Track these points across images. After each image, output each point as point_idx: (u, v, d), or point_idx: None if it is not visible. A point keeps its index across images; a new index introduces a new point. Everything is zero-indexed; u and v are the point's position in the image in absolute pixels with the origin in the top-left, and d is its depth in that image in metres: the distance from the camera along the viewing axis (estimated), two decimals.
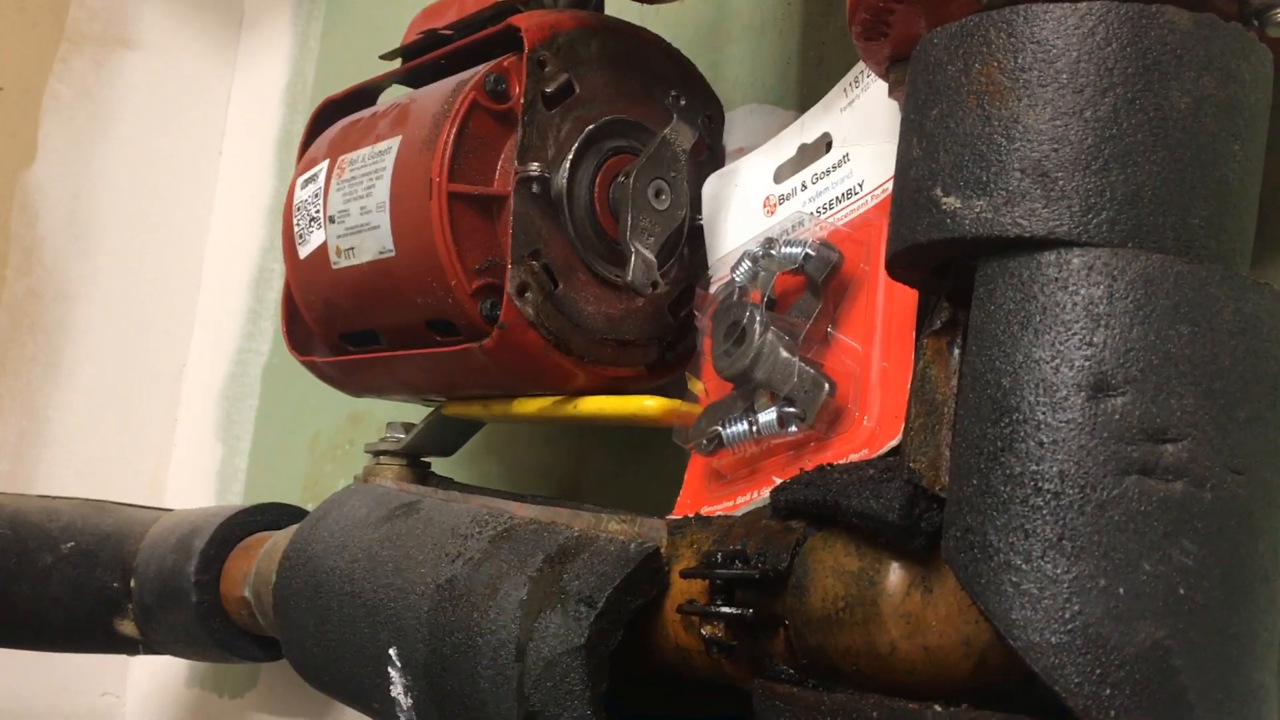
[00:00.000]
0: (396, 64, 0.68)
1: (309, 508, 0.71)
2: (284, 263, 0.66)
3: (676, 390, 0.57)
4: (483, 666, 0.47)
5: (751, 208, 0.57)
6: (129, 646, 0.78)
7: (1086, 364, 0.33)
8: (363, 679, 0.55)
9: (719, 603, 0.41)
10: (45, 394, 1.12)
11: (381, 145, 0.59)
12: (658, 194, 0.56)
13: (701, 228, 0.59)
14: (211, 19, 1.23)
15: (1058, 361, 0.34)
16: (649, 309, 0.58)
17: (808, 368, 0.47)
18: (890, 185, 0.48)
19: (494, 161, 0.56)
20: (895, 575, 0.36)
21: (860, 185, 0.52)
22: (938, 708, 0.34)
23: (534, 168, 0.54)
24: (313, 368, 0.67)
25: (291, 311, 0.68)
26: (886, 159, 0.51)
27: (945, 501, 0.36)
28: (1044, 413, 0.33)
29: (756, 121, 0.66)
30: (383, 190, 0.58)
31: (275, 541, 0.68)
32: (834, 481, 0.39)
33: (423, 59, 0.64)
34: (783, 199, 0.56)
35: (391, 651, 0.52)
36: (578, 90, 0.56)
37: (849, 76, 0.53)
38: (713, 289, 0.57)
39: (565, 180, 0.55)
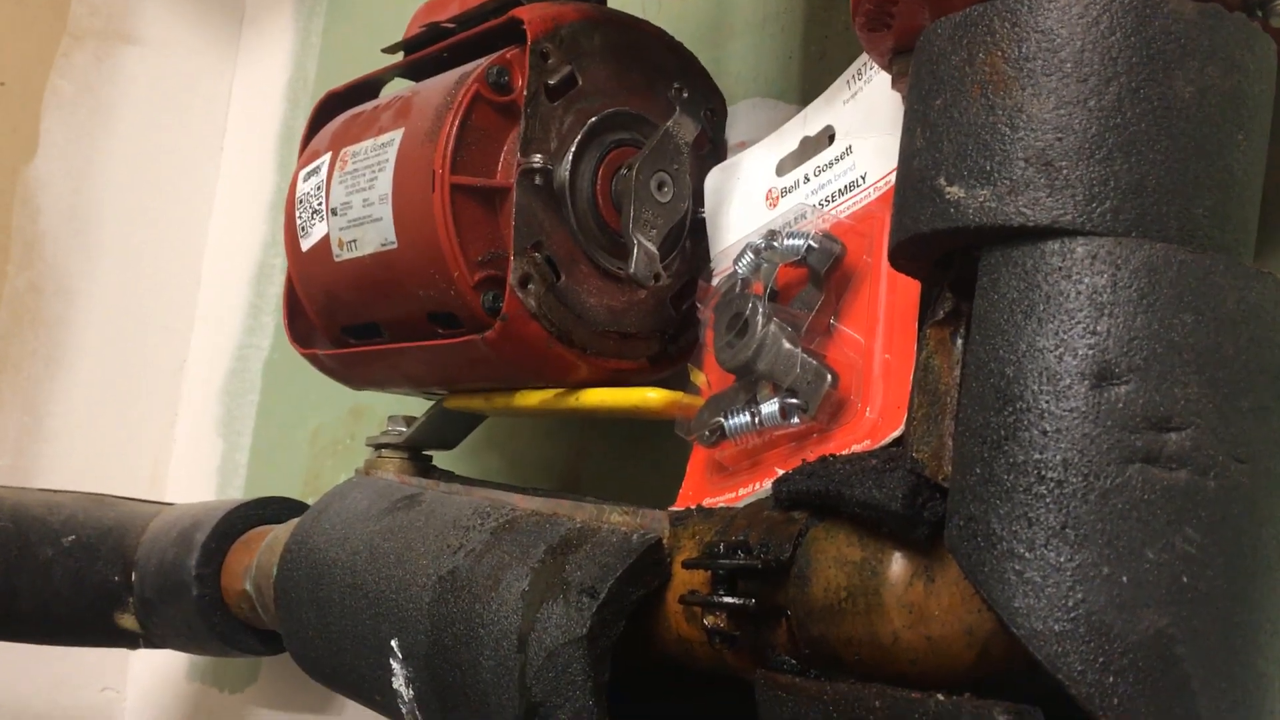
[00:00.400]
0: (399, 57, 0.68)
1: (310, 502, 0.71)
2: (286, 255, 0.66)
3: (678, 382, 0.57)
4: (484, 657, 0.47)
5: (754, 200, 0.57)
6: (129, 640, 0.78)
7: (1090, 353, 0.33)
8: (364, 671, 0.55)
9: (721, 593, 0.41)
10: (46, 389, 1.12)
11: (384, 138, 0.59)
12: (660, 186, 0.56)
13: (704, 220, 0.59)
14: (213, 14, 1.23)
15: (1061, 350, 0.34)
16: (651, 301, 0.58)
17: (810, 359, 0.47)
18: (893, 177, 0.48)
19: (496, 153, 0.56)
20: (898, 565, 0.36)
21: (863, 178, 0.52)
22: (940, 697, 0.34)
23: (537, 160, 0.54)
24: (314, 360, 0.67)
25: (293, 304, 0.68)
26: (889, 151, 0.51)
27: (948, 491, 0.36)
28: (1047, 401, 0.33)
29: (759, 115, 0.66)
30: (385, 182, 0.58)
31: (276, 535, 0.68)
32: (836, 472, 0.39)
33: (425, 52, 0.64)
34: (785, 192, 0.56)
35: (393, 643, 0.52)
36: (580, 82, 0.56)
37: (851, 69, 0.53)
38: (715, 281, 0.57)
39: (568, 172, 0.55)
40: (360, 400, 0.93)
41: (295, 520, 0.67)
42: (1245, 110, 0.36)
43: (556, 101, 0.55)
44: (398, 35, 0.67)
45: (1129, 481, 0.32)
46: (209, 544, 0.71)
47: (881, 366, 0.47)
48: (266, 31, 1.20)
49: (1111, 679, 0.31)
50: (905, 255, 0.41)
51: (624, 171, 0.56)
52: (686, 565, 0.43)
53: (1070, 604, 0.31)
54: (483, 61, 0.57)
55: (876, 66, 0.49)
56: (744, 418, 0.48)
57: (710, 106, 0.61)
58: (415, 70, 0.66)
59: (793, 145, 0.56)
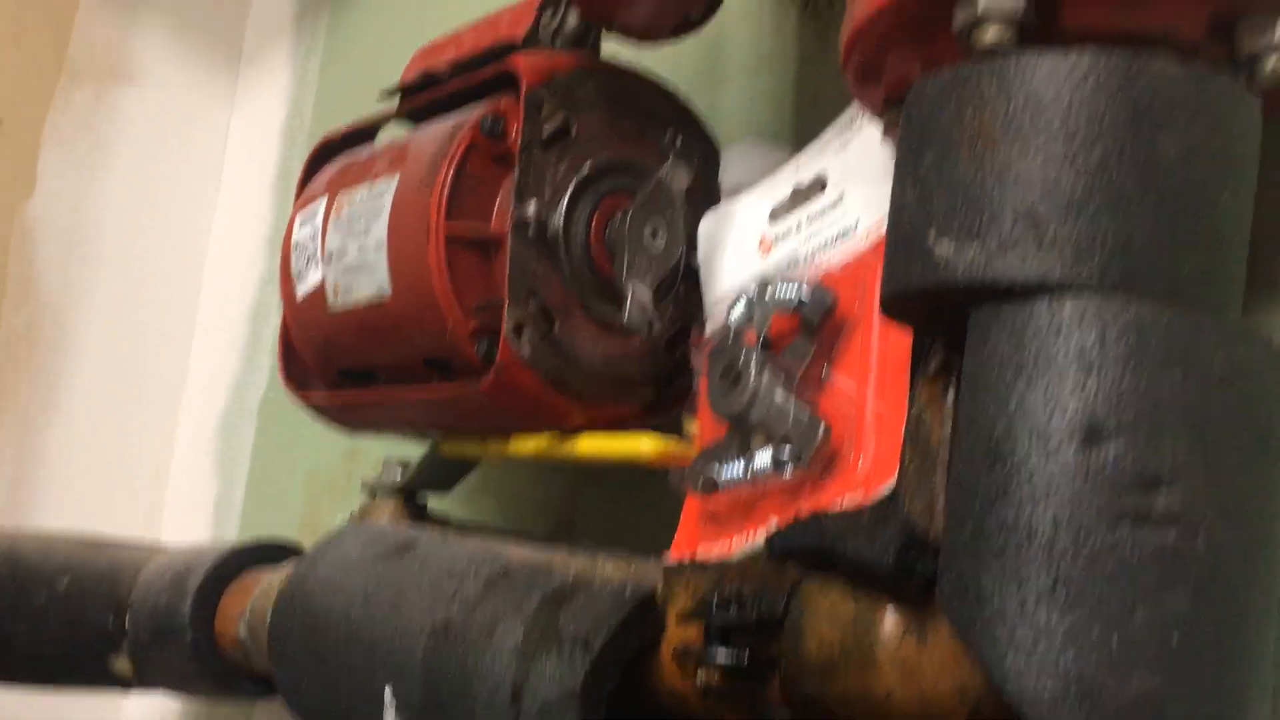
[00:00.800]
0: (395, 101, 0.69)
1: (305, 543, 0.71)
2: (281, 300, 0.66)
3: (672, 427, 0.57)
4: (479, 709, 0.47)
5: (747, 247, 0.57)
6: (124, 683, 0.78)
7: (1079, 411, 0.34)
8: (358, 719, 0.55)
9: (714, 647, 0.41)
10: (42, 427, 1.12)
11: (379, 185, 0.60)
12: (654, 234, 0.57)
13: (697, 266, 0.59)
14: (211, 53, 1.24)
15: (1051, 408, 0.34)
16: (645, 348, 0.58)
17: (803, 410, 0.47)
18: (885, 226, 0.48)
19: (491, 201, 0.57)
20: (891, 622, 0.37)
21: (855, 226, 0.52)
22: None
23: (531, 210, 0.54)
24: (309, 404, 0.67)
25: (288, 348, 0.68)
26: (881, 200, 0.51)
27: (940, 547, 0.36)
28: (1037, 460, 0.34)
29: (752, 158, 0.67)
30: (380, 230, 0.58)
31: (270, 580, 0.68)
32: (829, 527, 0.39)
33: (421, 98, 0.65)
34: (778, 238, 0.56)
35: (387, 692, 0.52)
36: (574, 131, 0.56)
37: (843, 118, 0.54)
38: (709, 329, 0.57)
39: (561, 221, 0.56)
40: (356, 442, 0.93)
41: (289, 564, 0.67)
42: (1231, 169, 0.36)
43: (550, 150, 0.56)
44: (394, 76, 0.68)
45: (1119, 541, 0.32)
46: (203, 588, 0.71)
47: (874, 417, 0.47)
48: (264, 70, 1.21)
49: None
50: (896, 308, 0.41)
51: (617, 220, 0.56)
52: (680, 618, 0.43)
53: (1061, 666, 0.31)
54: (478, 109, 0.57)
55: (868, 116, 0.50)
56: (737, 468, 0.48)
57: (703, 152, 0.61)
58: (412, 114, 0.66)
59: (785, 192, 0.57)
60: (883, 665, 0.36)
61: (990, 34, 0.37)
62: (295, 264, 0.65)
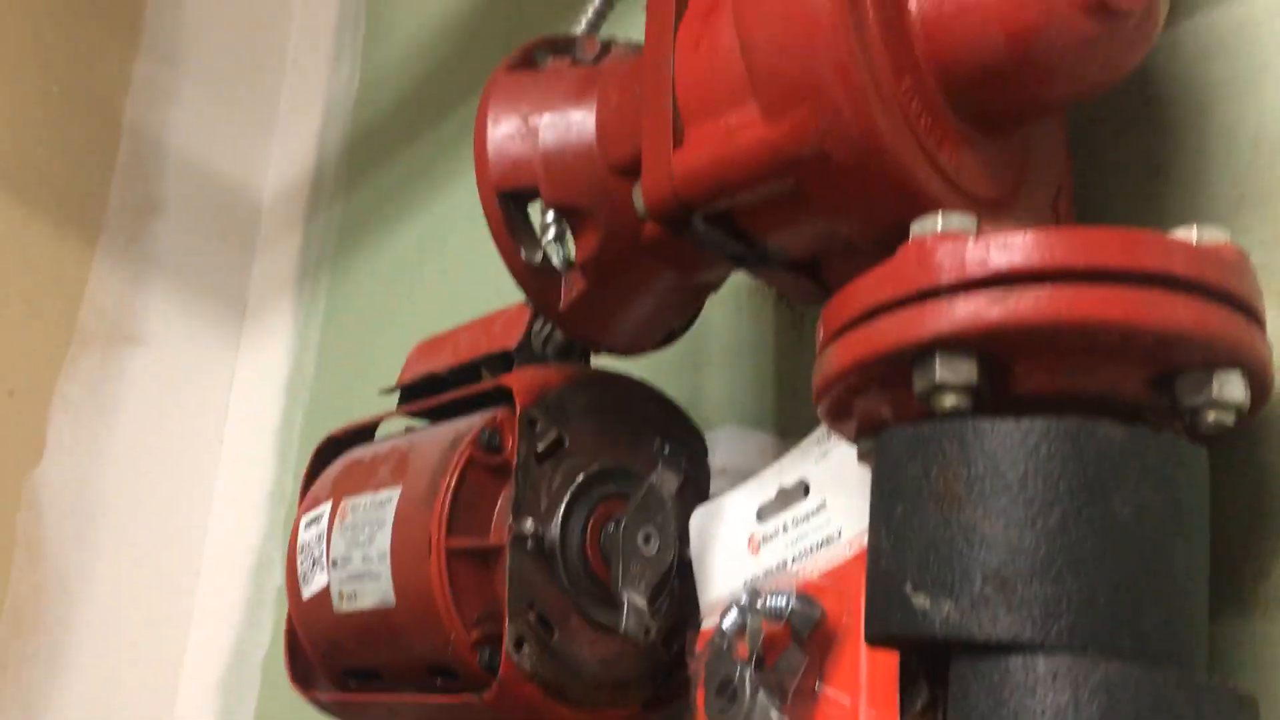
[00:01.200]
0: (394, 397, 0.72)
1: None
2: (287, 599, 0.68)
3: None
4: None
5: (737, 545, 0.59)
6: None
7: None
8: None
9: None
10: (45, 691, 1.12)
11: (382, 494, 0.62)
12: (647, 540, 0.59)
13: (690, 561, 0.61)
14: (216, 311, 1.29)
15: None
16: (642, 647, 0.60)
17: None
18: (866, 537, 0.50)
19: (489, 512, 0.59)
20: None
21: (838, 534, 0.54)
22: None
23: (528, 525, 0.56)
24: (315, 703, 0.68)
25: (294, 645, 0.70)
26: (861, 511, 0.53)
27: None
28: None
29: (737, 443, 0.70)
30: (384, 541, 0.60)
31: None
32: None
33: (419, 401, 0.68)
34: (766, 539, 0.58)
35: None
36: (568, 443, 0.59)
37: (822, 428, 0.57)
38: (704, 625, 0.59)
39: (558, 532, 0.58)
40: None
41: None
42: (1182, 521, 0.39)
43: (545, 463, 0.58)
44: (393, 337, 0.71)
45: None
46: None
47: None
48: (267, 328, 1.26)
49: None
50: (881, 644, 0.43)
51: (611, 528, 0.59)
52: None
53: None
54: (475, 422, 0.60)
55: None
56: None
57: (692, 448, 0.64)
58: (411, 412, 0.70)
59: (771, 493, 0.59)
60: None
61: (948, 400, 0.40)
62: (301, 566, 0.67)
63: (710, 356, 0.74)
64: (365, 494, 0.63)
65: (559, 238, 0.58)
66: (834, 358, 0.43)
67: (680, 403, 0.65)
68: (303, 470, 0.72)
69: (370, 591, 0.61)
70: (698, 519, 0.62)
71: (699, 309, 0.64)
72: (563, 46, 0.59)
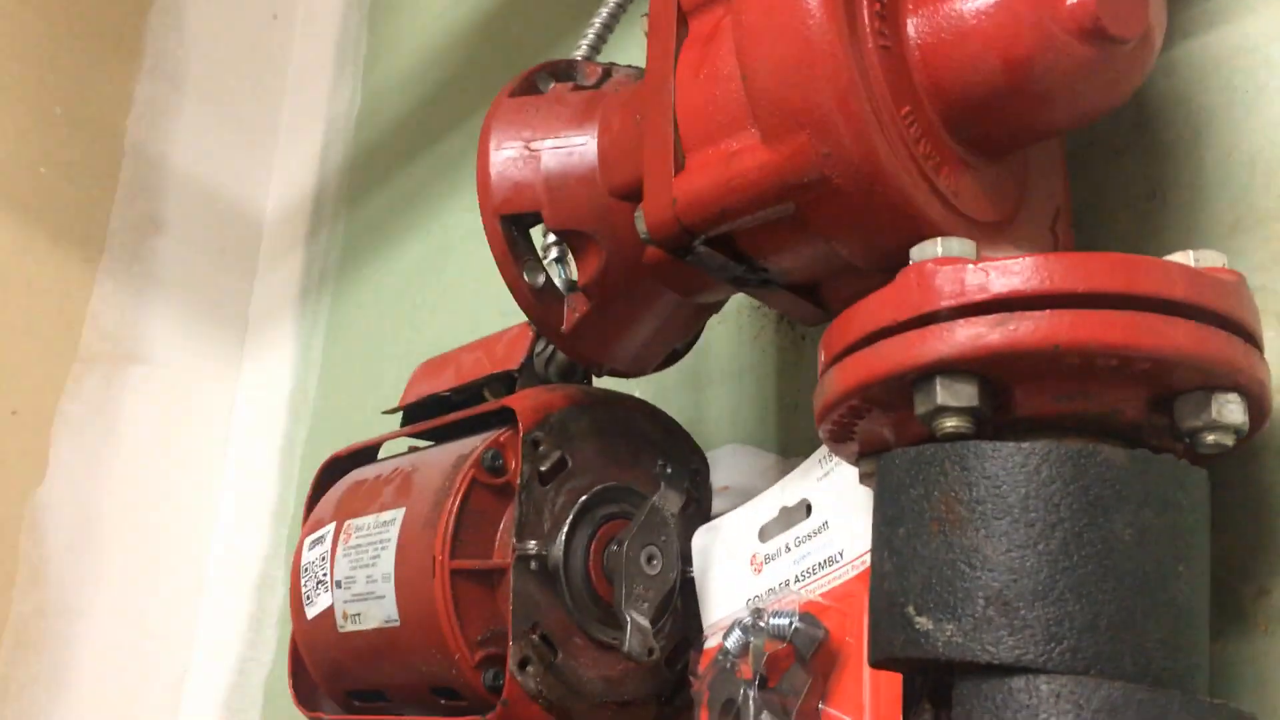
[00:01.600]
0: (398, 418, 0.72)
1: None
2: (291, 619, 0.68)
3: None
4: None
5: (739, 565, 0.59)
6: None
7: None
8: None
9: None
10: (48, 713, 1.12)
11: (386, 515, 0.62)
12: (650, 560, 0.59)
13: (693, 580, 0.61)
14: (218, 330, 1.29)
15: None
16: (646, 667, 0.60)
17: None
18: (868, 557, 0.50)
19: (493, 533, 0.59)
20: None
21: (840, 554, 0.55)
22: None
23: (532, 546, 0.57)
24: None
25: (297, 665, 0.70)
26: (863, 532, 0.54)
27: None
28: None
29: (739, 461, 0.70)
30: (387, 561, 0.61)
31: None
32: None
33: (423, 422, 0.68)
34: (768, 558, 0.58)
35: None
36: (570, 464, 0.60)
37: (824, 449, 0.57)
38: (707, 644, 0.59)
39: (561, 552, 0.58)
40: None
41: None
42: (1183, 542, 0.39)
43: (548, 484, 0.59)
44: (395, 356, 0.71)
45: None
46: None
47: None
48: (269, 346, 1.26)
49: None
50: (885, 666, 0.43)
51: (614, 547, 0.59)
52: None
53: None
54: (478, 444, 0.61)
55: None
56: None
57: (693, 468, 0.64)
58: (414, 431, 0.70)
59: (773, 512, 0.59)
60: None
61: (949, 423, 0.40)
62: (305, 586, 0.67)
63: (712, 377, 0.74)
64: (369, 515, 0.64)
65: (561, 260, 0.58)
66: (835, 381, 0.44)
67: (682, 423, 0.65)
68: (305, 489, 0.72)
69: (374, 612, 0.61)
70: (700, 538, 0.62)
71: (700, 330, 0.64)
72: (564, 71, 0.60)
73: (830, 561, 0.55)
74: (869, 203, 0.43)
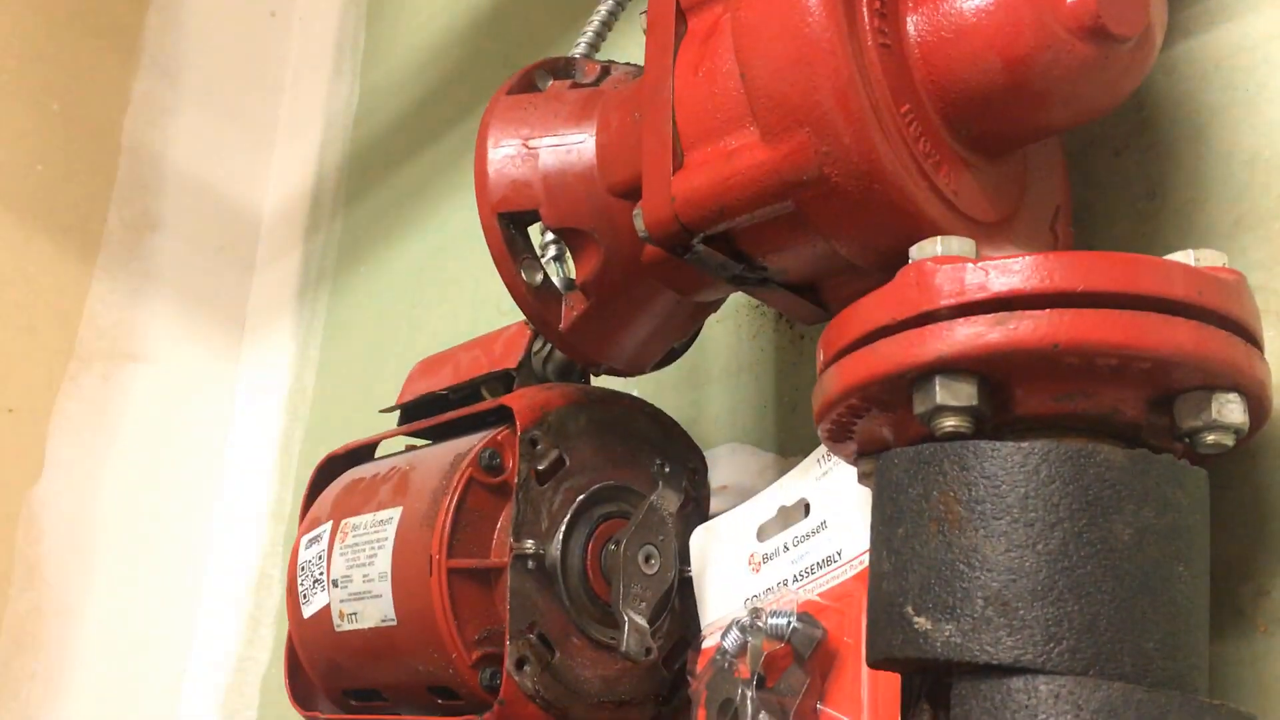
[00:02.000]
0: (395, 416, 0.72)
1: None
2: (288, 618, 0.68)
3: None
4: None
5: (737, 564, 0.59)
6: None
7: None
8: None
9: None
10: (45, 712, 1.11)
11: (383, 514, 0.62)
12: (647, 559, 0.59)
13: (691, 579, 0.61)
14: (215, 329, 1.29)
15: None
16: (643, 667, 0.60)
17: None
18: (867, 557, 0.50)
19: (490, 532, 0.59)
20: None
21: (839, 553, 0.54)
22: None
23: (529, 545, 0.57)
24: None
25: (294, 665, 0.70)
26: (861, 530, 0.53)
27: None
28: None
29: (737, 460, 0.70)
30: (384, 560, 0.60)
31: None
32: None
33: (420, 421, 0.68)
34: (766, 558, 0.58)
35: None
36: (568, 463, 0.59)
37: (822, 449, 0.57)
38: (705, 644, 0.59)
39: (559, 551, 0.58)
40: None
41: None
42: (1182, 543, 0.39)
43: (546, 484, 0.59)
44: (393, 354, 0.71)
45: None
46: None
47: None
48: (267, 345, 1.26)
49: None
50: (883, 667, 0.43)
51: (612, 547, 0.59)
52: None
53: None
54: (476, 443, 0.60)
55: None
56: None
57: (691, 467, 0.64)
58: (412, 429, 0.70)
59: (771, 512, 0.59)
60: None
61: (949, 422, 0.40)
62: (301, 585, 0.67)
63: (710, 376, 0.74)
64: (366, 514, 0.64)
65: (559, 258, 0.58)
66: (834, 380, 0.43)
67: (681, 422, 0.65)
68: (302, 488, 0.72)
69: (371, 611, 0.61)
70: (698, 538, 0.62)
71: (699, 328, 0.64)
72: (562, 69, 0.60)
73: (828, 561, 0.55)
74: (868, 201, 0.43)
